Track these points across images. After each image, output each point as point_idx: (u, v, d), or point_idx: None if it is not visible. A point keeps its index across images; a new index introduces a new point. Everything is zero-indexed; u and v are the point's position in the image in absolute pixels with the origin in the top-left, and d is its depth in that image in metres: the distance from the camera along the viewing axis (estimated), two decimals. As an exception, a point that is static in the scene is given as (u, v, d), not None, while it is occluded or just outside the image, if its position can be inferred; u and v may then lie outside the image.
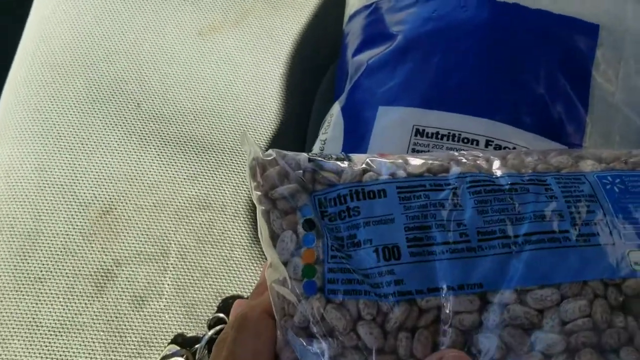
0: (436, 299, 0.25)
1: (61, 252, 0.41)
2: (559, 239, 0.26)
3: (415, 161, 0.29)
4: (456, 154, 0.30)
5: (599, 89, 0.38)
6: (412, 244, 0.26)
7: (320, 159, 0.28)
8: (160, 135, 0.45)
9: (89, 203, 0.43)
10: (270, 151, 0.28)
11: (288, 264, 0.26)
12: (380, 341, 0.25)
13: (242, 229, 0.43)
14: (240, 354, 0.26)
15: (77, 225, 0.42)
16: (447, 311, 0.25)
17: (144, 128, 0.45)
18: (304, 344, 0.25)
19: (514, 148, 0.36)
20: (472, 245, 0.26)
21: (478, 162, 0.29)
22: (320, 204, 0.27)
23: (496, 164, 0.29)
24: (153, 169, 0.44)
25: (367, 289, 0.25)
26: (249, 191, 0.44)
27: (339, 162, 0.28)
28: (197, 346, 0.38)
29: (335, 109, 0.41)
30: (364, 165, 0.28)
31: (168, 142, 0.45)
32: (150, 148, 0.44)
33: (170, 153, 0.44)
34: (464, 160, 0.29)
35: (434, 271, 0.25)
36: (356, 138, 0.39)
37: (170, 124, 0.45)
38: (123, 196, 0.43)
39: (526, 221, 0.26)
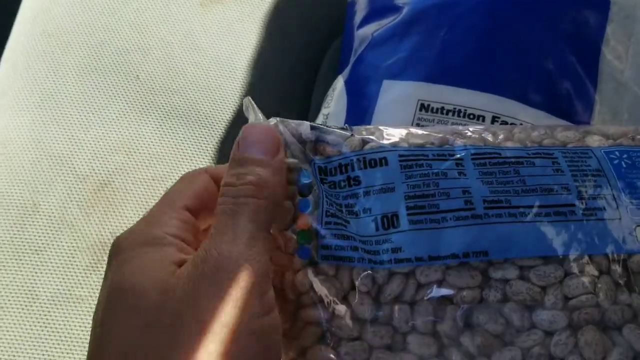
0: (436, 272, 0.25)
1: (59, 224, 0.41)
2: (565, 213, 0.25)
3: (419, 132, 0.28)
4: (461, 127, 0.30)
5: (608, 65, 0.37)
6: (413, 212, 0.25)
7: (323, 126, 0.28)
8: (160, 107, 0.44)
9: (87, 175, 0.42)
10: (272, 119, 0.27)
11: (283, 231, 0.26)
12: (372, 312, 0.25)
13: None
14: (166, 193, 0.26)
15: (74, 198, 0.42)
16: (449, 286, 0.25)
17: (143, 99, 0.44)
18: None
19: (521, 124, 0.35)
20: (478, 213, 0.25)
21: (483, 135, 0.29)
22: (321, 170, 0.27)
23: (502, 137, 0.29)
24: (152, 141, 0.43)
25: (361, 255, 0.25)
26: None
27: (341, 132, 0.28)
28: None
29: (339, 82, 0.40)
30: (366, 136, 0.28)
31: (168, 113, 0.44)
32: (150, 120, 0.44)
33: (170, 125, 0.44)
34: (469, 134, 0.29)
35: (437, 239, 0.25)
36: (359, 112, 0.38)
37: (170, 95, 0.45)
38: (121, 169, 0.42)
39: (532, 193, 0.26)
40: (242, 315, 0.22)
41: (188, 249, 0.24)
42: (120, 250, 0.24)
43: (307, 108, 0.46)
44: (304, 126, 0.28)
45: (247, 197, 0.24)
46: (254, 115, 0.27)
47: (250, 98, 0.27)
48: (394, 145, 0.27)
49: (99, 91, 0.44)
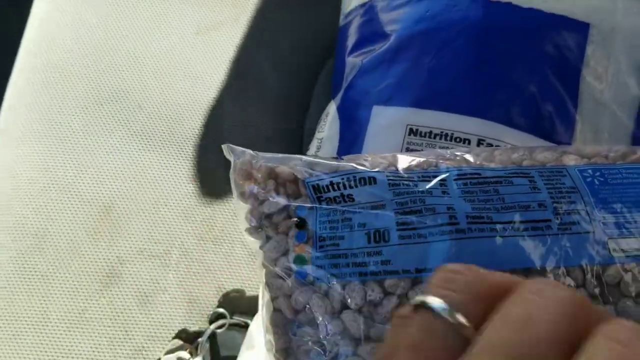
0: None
1: (67, 250, 0.43)
2: (542, 227, 0.27)
3: (405, 158, 0.30)
4: (445, 151, 0.31)
5: (588, 86, 0.39)
6: (402, 227, 0.27)
7: (312, 159, 0.30)
8: (161, 134, 0.46)
9: (92, 201, 0.44)
10: (260, 154, 0.29)
11: (282, 259, 0.28)
12: (365, 330, 0.26)
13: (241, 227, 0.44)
14: None
15: (81, 223, 0.43)
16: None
17: (145, 127, 0.46)
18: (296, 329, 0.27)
19: (503, 146, 0.37)
20: (462, 227, 0.27)
21: (466, 156, 0.30)
22: (315, 189, 0.28)
23: (483, 159, 0.30)
24: (154, 167, 0.45)
25: (352, 270, 0.27)
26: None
27: (332, 162, 0.29)
28: (199, 340, 0.40)
29: (332, 108, 0.42)
30: (354, 163, 0.29)
31: (168, 140, 0.46)
32: (151, 147, 0.45)
33: (171, 151, 0.45)
34: (452, 157, 0.30)
35: (424, 252, 0.26)
36: (352, 137, 0.40)
37: (170, 122, 0.46)
38: (125, 194, 0.44)
39: (511, 210, 0.27)
40: None
41: None
42: None
43: (302, 131, 0.47)
44: (295, 161, 0.29)
45: None
46: (236, 154, 0.29)
47: (227, 145, 0.29)
48: (382, 170, 0.29)
49: (101, 120, 0.46)
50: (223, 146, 0.29)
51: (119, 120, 0.46)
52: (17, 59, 0.49)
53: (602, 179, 0.29)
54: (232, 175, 0.30)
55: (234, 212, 0.45)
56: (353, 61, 0.42)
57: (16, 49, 0.50)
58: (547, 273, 0.26)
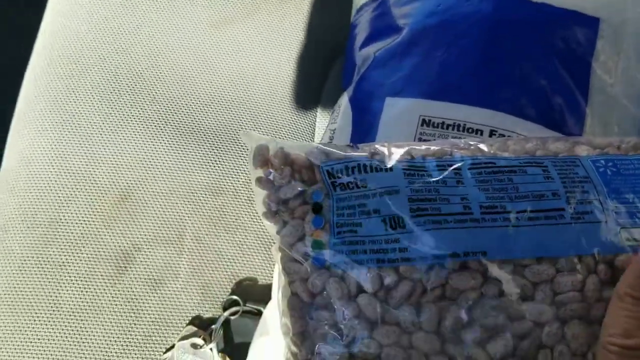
0: (439, 278, 0.27)
1: (81, 237, 0.43)
2: (555, 217, 0.27)
3: (419, 147, 0.31)
4: (459, 142, 0.32)
5: (598, 80, 0.39)
6: (416, 214, 0.27)
7: (328, 147, 0.30)
8: (175, 124, 0.46)
9: (107, 189, 0.44)
10: (277, 141, 0.30)
11: (299, 243, 0.28)
12: (380, 313, 0.26)
13: (254, 215, 0.45)
14: None
15: (96, 211, 0.43)
16: (452, 288, 0.26)
17: (159, 118, 0.46)
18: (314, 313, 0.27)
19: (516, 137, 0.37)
20: (476, 217, 0.27)
21: (480, 145, 0.31)
22: (329, 174, 0.29)
23: (497, 149, 0.31)
24: (168, 156, 0.45)
25: (370, 257, 0.27)
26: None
27: (346, 149, 0.30)
28: (213, 327, 0.40)
29: (344, 99, 0.42)
30: (369, 151, 0.30)
31: (182, 130, 0.46)
32: (165, 136, 0.46)
33: (185, 141, 0.46)
34: (466, 146, 0.31)
35: (439, 239, 0.27)
36: (364, 128, 0.40)
37: (184, 113, 0.47)
38: (140, 182, 0.44)
39: (524, 199, 0.28)
40: None
41: None
42: None
43: (314, 122, 0.48)
44: (311, 148, 0.30)
45: None
46: (254, 140, 0.29)
47: (245, 132, 0.29)
48: (397, 160, 0.29)
49: (116, 111, 0.46)
50: (241, 133, 0.30)
51: (133, 110, 0.46)
52: (33, 51, 0.50)
53: (614, 169, 0.29)
54: (249, 161, 0.31)
55: (249, 200, 0.45)
56: (365, 54, 0.43)
57: (33, 42, 0.50)
58: (560, 261, 0.27)
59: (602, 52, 0.40)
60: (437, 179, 0.28)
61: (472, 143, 0.31)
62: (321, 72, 0.49)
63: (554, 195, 0.28)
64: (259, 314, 0.40)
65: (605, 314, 0.26)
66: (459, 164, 0.29)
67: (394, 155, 0.30)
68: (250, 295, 0.41)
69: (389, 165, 0.29)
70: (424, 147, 0.31)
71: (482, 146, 0.31)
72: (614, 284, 0.27)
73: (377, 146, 0.30)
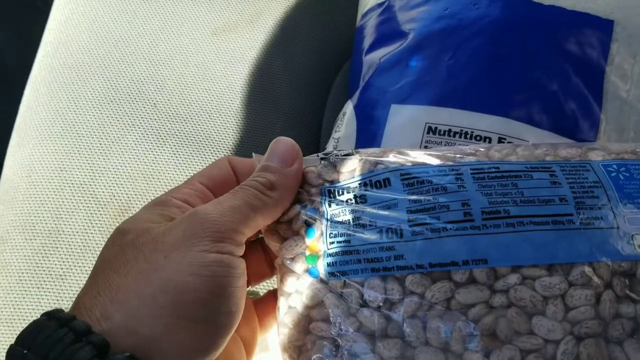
0: (445, 293, 0.25)
1: (81, 249, 0.42)
2: (563, 222, 0.26)
3: (422, 152, 0.30)
4: (465, 148, 0.31)
5: (613, 85, 0.38)
6: (414, 223, 0.27)
7: (331, 156, 0.30)
8: (177, 135, 0.46)
9: (108, 202, 0.43)
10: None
11: (297, 257, 0.28)
12: (382, 327, 0.26)
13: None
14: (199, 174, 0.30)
15: (96, 224, 0.43)
16: (459, 302, 0.25)
17: (160, 128, 0.46)
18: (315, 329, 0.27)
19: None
20: (476, 224, 0.26)
21: (484, 150, 0.30)
22: (329, 193, 0.29)
23: (505, 155, 0.30)
24: (169, 167, 0.45)
25: (365, 266, 0.26)
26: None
27: (347, 157, 0.29)
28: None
29: (348, 107, 0.41)
30: (371, 158, 0.29)
31: (184, 141, 0.45)
32: (167, 147, 0.45)
33: (186, 152, 0.45)
34: (472, 152, 0.30)
35: (438, 248, 0.26)
36: (369, 136, 0.39)
37: (186, 123, 0.46)
38: (140, 194, 0.44)
39: (530, 204, 0.27)
40: (194, 249, 0.25)
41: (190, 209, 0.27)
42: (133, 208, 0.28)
43: (319, 130, 0.47)
44: (312, 163, 0.30)
45: (253, 189, 0.28)
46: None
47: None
48: (398, 165, 0.29)
49: (117, 120, 0.46)
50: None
51: (134, 120, 0.46)
52: (35, 60, 0.49)
53: (627, 174, 0.28)
54: None
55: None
56: (370, 60, 0.42)
57: (35, 50, 0.50)
58: (572, 271, 0.25)
59: (616, 55, 0.38)
60: (437, 185, 0.28)
61: (478, 149, 0.30)
62: (326, 80, 0.48)
63: (561, 201, 0.27)
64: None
65: (623, 332, 0.25)
66: (462, 169, 0.28)
67: (396, 162, 0.29)
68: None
69: (388, 177, 0.28)
70: (427, 152, 0.30)
71: (490, 152, 0.30)
72: (629, 296, 0.25)
73: (378, 153, 0.30)
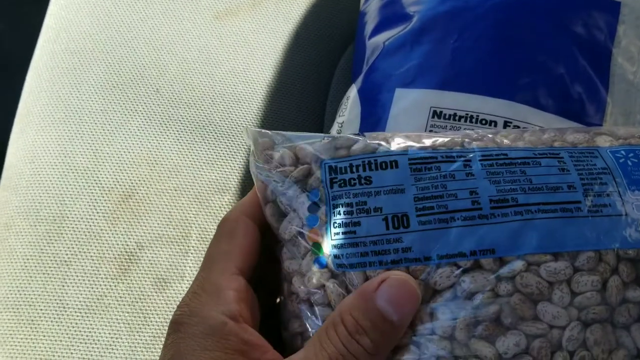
0: (449, 279, 0.25)
1: (86, 235, 0.42)
2: (571, 209, 0.26)
3: (429, 137, 0.29)
4: (472, 133, 0.30)
5: (619, 67, 0.37)
6: (422, 213, 0.26)
7: (335, 136, 0.29)
8: (180, 120, 0.46)
9: (112, 187, 0.43)
10: (280, 133, 0.29)
11: (296, 241, 0.28)
12: None
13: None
14: (212, 254, 0.27)
15: (100, 209, 0.43)
16: (464, 290, 0.25)
17: (163, 113, 0.46)
18: (309, 314, 0.27)
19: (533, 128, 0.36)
20: (484, 213, 0.26)
21: (491, 136, 0.30)
22: (331, 170, 0.28)
23: (512, 140, 0.30)
24: (173, 153, 0.45)
25: (372, 259, 0.26)
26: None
27: (352, 138, 0.29)
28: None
29: (352, 91, 0.41)
30: (377, 141, 0.29)
31: (187, 126, 0.45)
32: (170, 133, 0.45)
33: (190, 137, 0.45)
34: (479, 137, 0.30)
35: (445, 238, 0.26)
36: (373, 120, 0.39)
37: (189, 108, 0.46)
38: (144, 180, 0.44)
39: (538, 192, 0.26)
40: None
41: (247, 336, 0.25)
42: (180, 329, 0.26)
43: (322, 115, 0.47)
44: (316, 139, 0.29)
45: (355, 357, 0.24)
46: (258, 136, 0.29)
47: (248, 128, 0.29)
48: (405, 149, 0.28)
49: (120, 106, 0.46)
50: (244, 129, 0.29)
51: (137, 105, 0.46)
52: (37, 46, 0.49)
53: (635, 160, 0.28)
54: (251, 161, 0.30)
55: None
56: (374, 44, 0.41)
57: (36, 36, 0.50)
58: (577, 257, 0.25)
59: (623, 37, 0.38)
60: (445, 172, 0.27)
61: (485, 134, 0.30)
62: (330, 64, 0.48)
63: (569, 188, 0.27)
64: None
65: (630, 318, 0.25)
66: (470, 155, 0.28)
67: (402, 147, 0.29)
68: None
69: (396, 159, 0.28)
70: (434, 137, 0.30)
71: (497, 137, 0.30)
72: (637, 282, 0.25)
73: (384, 137, 0.30)
